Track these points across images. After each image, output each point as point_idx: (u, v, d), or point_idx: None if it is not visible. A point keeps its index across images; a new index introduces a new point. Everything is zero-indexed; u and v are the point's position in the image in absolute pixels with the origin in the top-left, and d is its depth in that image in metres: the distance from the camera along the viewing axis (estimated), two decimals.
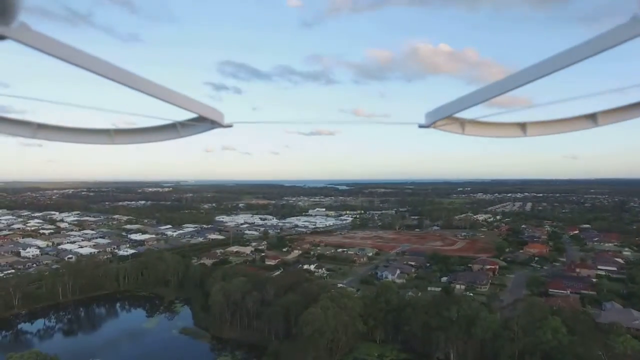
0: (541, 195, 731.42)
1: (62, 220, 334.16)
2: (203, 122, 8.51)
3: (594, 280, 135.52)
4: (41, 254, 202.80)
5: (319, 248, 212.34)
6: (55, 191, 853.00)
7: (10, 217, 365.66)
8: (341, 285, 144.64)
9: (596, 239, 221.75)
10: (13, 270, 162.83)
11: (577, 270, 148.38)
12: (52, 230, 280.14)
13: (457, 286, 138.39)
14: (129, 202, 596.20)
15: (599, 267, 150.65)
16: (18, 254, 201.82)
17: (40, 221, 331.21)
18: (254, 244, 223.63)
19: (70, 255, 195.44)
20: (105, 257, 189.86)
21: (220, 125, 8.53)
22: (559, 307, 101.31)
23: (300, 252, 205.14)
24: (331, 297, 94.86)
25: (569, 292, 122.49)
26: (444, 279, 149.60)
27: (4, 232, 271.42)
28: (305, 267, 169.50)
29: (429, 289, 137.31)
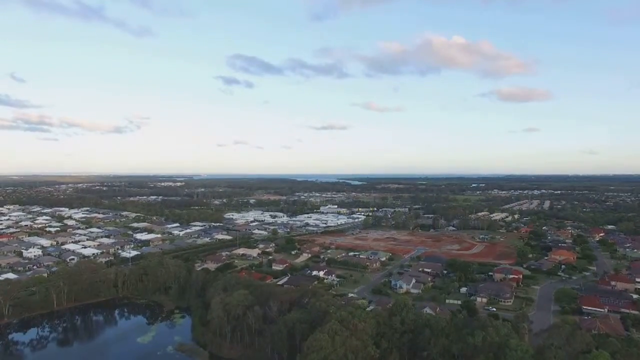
0: (559, 192, 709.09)
1: (70, 217, 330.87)
2: None
3: (634, 296, 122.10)
4: (43, 255, 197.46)
5: (329, 251, 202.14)
6: (70, 185, 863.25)
7: (21, 213, 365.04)
8: (352, 294, 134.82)
9: (628, 245, 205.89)
10: (11, 273, 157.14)
11: (613, 283, 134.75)
12: (58, 228, 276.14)
13: (479, 299, 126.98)
14: (140, 197, 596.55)
15: (638, 280, 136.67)
16: (20, 254, 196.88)
17: (49, 218, 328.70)
18: (261, 245, 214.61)
19: (72, 257, 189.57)
20: (107, 259, 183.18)
21: None
22: (599, 330, 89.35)
23: (309, 255, 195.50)
24: (340, 318, 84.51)
25: (606, 310, 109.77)
26: (464, 289, 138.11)
27: (11, 230, 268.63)
28: (315, 273, 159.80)
29: (447, 301, 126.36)
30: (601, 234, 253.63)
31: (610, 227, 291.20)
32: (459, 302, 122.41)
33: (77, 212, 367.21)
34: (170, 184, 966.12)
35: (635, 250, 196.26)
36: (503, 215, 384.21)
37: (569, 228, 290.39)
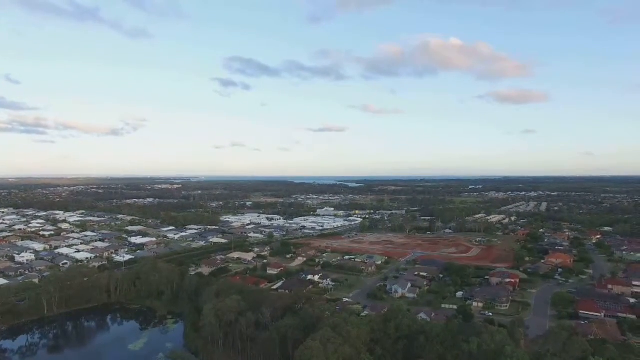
0: (556, 194, 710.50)
1: (64, 221, 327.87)
2: None
3: (631, 300, 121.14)
4: (36, 259, 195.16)
5: (324, 255, 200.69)
6: (66, 188, 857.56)
7: (15, 216, 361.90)
8: (347, 299, 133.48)
9: (625, 247, 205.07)
10: (2, 279, 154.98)
11: (609, 286, 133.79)
12: (52, 232, 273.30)
13: (475, 304, 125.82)
14: (136, 200, 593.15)
15: (634, 283, 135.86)
16: (13, 258, 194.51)
17: (43, 221, 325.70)
18: (256, 249, 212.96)
19: (65, 261, 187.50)
20: (100, 263, 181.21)
21: None
22: (595, 336, 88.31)
23: (304, 259, 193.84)
24: (333, 325, 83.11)
25: (603, 314, 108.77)
26: (460, 293, 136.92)
27: (4, 234, 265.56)
28: (309, 277, 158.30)
29: (443, 306, 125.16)
30: (598, 236, 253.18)
31: (606, 229, 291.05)
32: (455, 307, 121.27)
33: (72, 216, 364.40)
34: (168, 186, 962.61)
35: (632, 252, 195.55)
36: (500, 217, 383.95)
37: (566, 230, 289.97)
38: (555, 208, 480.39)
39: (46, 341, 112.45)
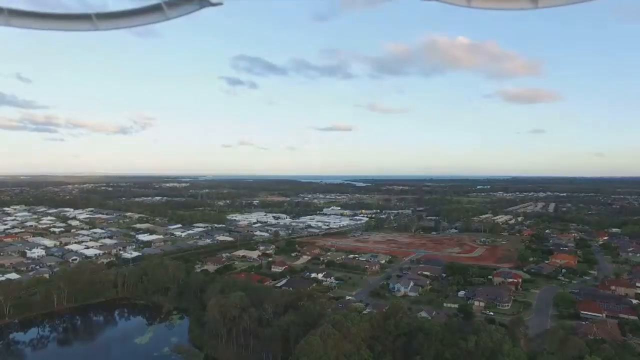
0: (565, 194, 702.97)
1: (74, 218, 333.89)
2: (190, 1, 8.21)
3: (634, 301, 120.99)
4: (46, 255, 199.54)
5: (329, 254, 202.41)
6: (76, 186, 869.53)
7: (26, 213, 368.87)
8: (350, 297, 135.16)
9: (631, 249, 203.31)
10: (14, 273, 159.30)
11: (612, 287, 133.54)
12: (62, 229, 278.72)
13: (476, 303, 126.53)
14: (144, 198, 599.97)
15: (638, 284, 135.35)
16: (24, 254, 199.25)
17: (53, 218, 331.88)
18: (262, 247, 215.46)
19: (74, 257, 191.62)
20: (109, 259, 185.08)
21: (209, 3, 8.14)
22: (595, 336, 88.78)
23: (309, 257, 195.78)
24: (333, 321, 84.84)
25: (604, 315, 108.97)
26: (462, 293, 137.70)
27: (16, 230, 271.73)
28: (313, 275, 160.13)
29: (444, 305, 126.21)
30: (605, 238, 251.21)
31: (615, 230, 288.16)
32: (456, 306, 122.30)
33: (81, 213, 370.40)
34: (176, 184, 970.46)
35: (638, 254, 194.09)
36: (507, 217, 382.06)
37: (573, 231, 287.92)
38: (564, 209, 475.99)
39: (56, 334, 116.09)
